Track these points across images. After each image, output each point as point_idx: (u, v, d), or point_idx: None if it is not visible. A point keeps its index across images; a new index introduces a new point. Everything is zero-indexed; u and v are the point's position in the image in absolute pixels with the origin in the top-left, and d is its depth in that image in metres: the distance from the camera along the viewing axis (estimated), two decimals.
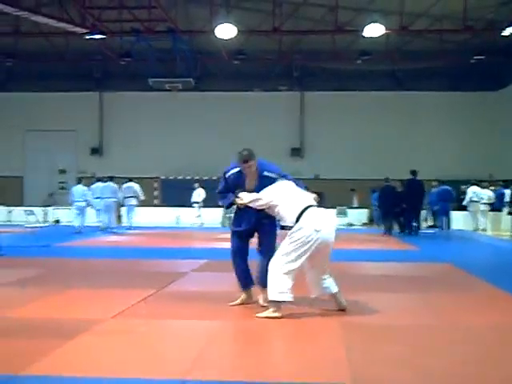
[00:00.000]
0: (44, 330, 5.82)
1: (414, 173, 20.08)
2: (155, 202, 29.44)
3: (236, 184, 7.10)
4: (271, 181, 6.88)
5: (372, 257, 12.99)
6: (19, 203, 28.07)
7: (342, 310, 6.68)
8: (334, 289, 6.69)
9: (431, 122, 28.91)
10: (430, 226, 23.17)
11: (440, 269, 10.94)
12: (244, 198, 6.78)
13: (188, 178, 28.22)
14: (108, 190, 21.00)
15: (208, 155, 28.53)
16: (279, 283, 6.27)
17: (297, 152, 29.76)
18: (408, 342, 5.51)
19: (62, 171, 30.91)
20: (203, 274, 10.11)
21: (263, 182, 6.87)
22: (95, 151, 30.67)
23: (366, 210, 26.98)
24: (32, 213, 25.21)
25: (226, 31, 22.06)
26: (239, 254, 7.14)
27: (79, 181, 21.55)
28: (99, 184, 21.36)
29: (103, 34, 23.32)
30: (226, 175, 7.30)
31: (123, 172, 27.00)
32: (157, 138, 29.84)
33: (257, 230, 7.10)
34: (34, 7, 21.52)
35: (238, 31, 22.13)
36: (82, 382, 4.26)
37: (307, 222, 6.33)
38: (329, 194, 26.10)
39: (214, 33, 22.21)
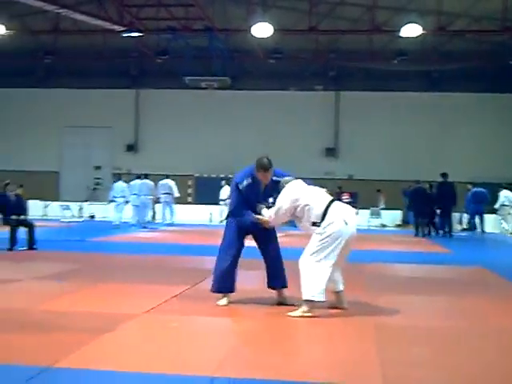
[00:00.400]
0: (78, 324, 5.92)
1: (444, 175, 19.99)
2: (189, 199, 29.59)
3: (251, 194, 6.84)
4: (277, 184, 6.77)
5: (404, 258, 12.90)
6: (55, 198, 28.42)
7: (342, 309, 6.64)
8: (341, 286, 6.68)
9: (467, 124, 28.57)
10: (464, 229, 22.95)
11: (472, 272, 10.85)
12: (267, 215, 6.65)
13: (222, 176, 28.30)
14: (145, 187, 21.43)
15: (242, 154, 28.53)
16: (314, 283, 6.22)
17: (331, 152, 29.64)
18: (439, 344, 5.49)
19: (98, 167, 31.22)
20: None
21: (272, 187, 6.78)
22: (130, 148, 30.91)
23: (399, 212, 26.80)
24: (68, 208, 25.56)
25: (262, 30, 22.11)
26: (238, 253, 7.01)
27: (119, 177, 22.04)
28: (137, 181, 21.77)
29: (140, 32, 23.52)
30: (240, 186, 6.85)
31: (157, 169, 27.19)
32: (191, 136, 29.95)
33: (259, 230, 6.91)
34: (73, 5, 21.83)
35: (274, 30, 22.16)
36: (114, 376, 4.33)
37: (336, 216, 6.30)
38: (362, 195, 26.13)
39: (250, 31, 22.27)
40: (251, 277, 9.17)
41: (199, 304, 6.98)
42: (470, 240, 19.66)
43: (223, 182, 25.26)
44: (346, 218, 6.32)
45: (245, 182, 6.83)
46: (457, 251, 15.05)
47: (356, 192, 23.73)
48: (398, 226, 26.34)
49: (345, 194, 24.27)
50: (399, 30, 22.06)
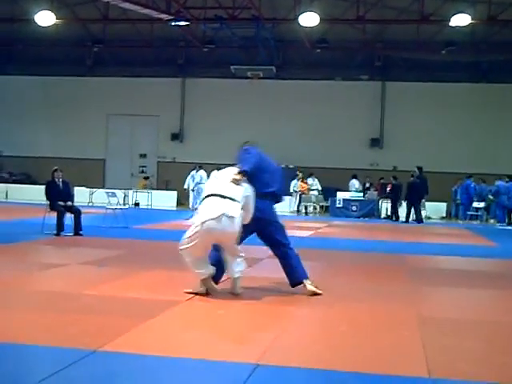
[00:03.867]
0: (123, 309, 6.00)
1: None
2: None
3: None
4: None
5: (449, 251, 12.74)
6: (101, 185, 28.77)
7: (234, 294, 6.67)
8: (236, 274, 6.67)
9: None
10: None
11: None
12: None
13: None
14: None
15: (286, 143, 28.55)
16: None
17: (376, 142, 29.35)
18: (485, 338, 5.42)
19: (143, 155, 31.52)
20: (278, 261, 10.09)
21: None
22: (175, 137, 31.10)
23: (444, 204, 26.47)
24: (114, 195, 25.77)
25: (309, 19, 22.01)
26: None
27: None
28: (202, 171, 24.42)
29: (187, 21, 23.63)
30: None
31: (201, 158, 27.36)
32: (236, 125, 29.97)
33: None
34: None
35: (321, 19, 22.04)
36: (158, 362, 4.36)
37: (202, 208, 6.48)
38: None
39: (297, 21, 22.19)
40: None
41: (243, 291, 6.99)
42: None
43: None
44: (210, 214, 6.29)
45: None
46: (504, 244, 14.81)
47: (400, 183, 23.48)
48: (443, 218, 26.04)
49: (388, 184, 24.10)
50: (448, 20, 21.74)
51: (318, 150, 28.67)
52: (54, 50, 30.30)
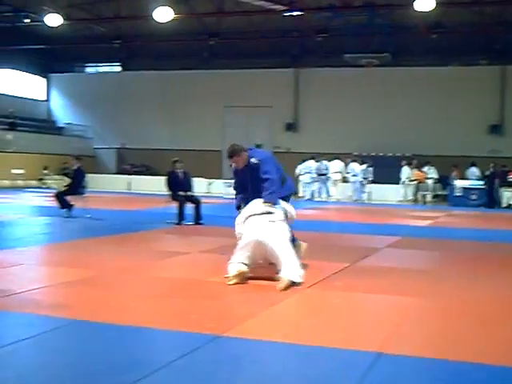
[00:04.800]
0: (245, 296, 6.16)
1: None
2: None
3: (243, 179, 7.37)
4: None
5: None
6: (218, 176, 29.34)
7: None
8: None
9: None
10: None
11: None
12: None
13: (381, 154, 27.89)
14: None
15: (401, 131, 28.11)
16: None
17: (496, 129, 28.31)
18: None
19: (258, 146, 31.77)
20: (397, 250, 10.01)
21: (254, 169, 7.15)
22: (290, 127, 31.25)
23: None
24: (231, 185, 26.29)
25: (424, 4, 21.53)
26: None
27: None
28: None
29: (301, 11, 23.67)
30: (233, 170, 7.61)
31: (316, 148, 27.38)
32: (350, 114, 29.79)
33: None
34: None
35: (437, 3, 21.50)
36: (280, 348, 4.47)
37: None
38: None
39: (412, 6, 21.75)
40: (418, 255, 9.10)
41: (360, 281, 7.01)
42: None
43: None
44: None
45: (233, 167, 7.43)
46: None
47: None
48: None
49: (510, 173, 23.25)
50: None
51: (434, 137, 28.04)
52: (170, 45, 31.15)
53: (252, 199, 7.09)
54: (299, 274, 6.49)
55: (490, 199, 22.88)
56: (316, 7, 24.61)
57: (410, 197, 25.40)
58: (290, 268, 6.42)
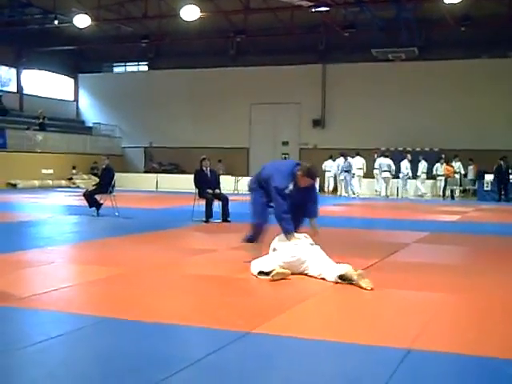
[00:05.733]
0: (274, 292, 6.16)
1: None
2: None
3: (294, 198, 7.02)
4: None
5: None
6: (245, 173, 29.38)
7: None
8: None
9: None
10: None
11: None
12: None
13: (409, 149, 27.64)
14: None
15: (429, 126, 27.87)
16: None
17: None
18: None
19: (285, 143, 31.82)
20: (425, 245, 9.95)
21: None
22: (317, 123, 31.14)
23: None
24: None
25: None
26: None
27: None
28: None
29: (328, 6, 23.56)
30: (287, 191, 6.95)
31: (343, 144, 27.27)
32: (378, 110, 29.58)
33: None
34: None
35: None
36: (310, 344, 4.44)
37: None
38: None
39: None
40: (445, 251, 9.01)
41: (389, 277, 6.97)
42: None
43: (409, 156, 25.21)
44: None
45: (290, 187, 6.93)
46: None
47: None
48: None
49: None
50: None
51: (462, 131, 27.74)
52: (197, 43, 31.23)
53: (294, 219, 7.04)
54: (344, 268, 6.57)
55: None
56: (343, 2, 24.50)
57: (423, 191, 25.43)
58: (335, 267, 6.53)
